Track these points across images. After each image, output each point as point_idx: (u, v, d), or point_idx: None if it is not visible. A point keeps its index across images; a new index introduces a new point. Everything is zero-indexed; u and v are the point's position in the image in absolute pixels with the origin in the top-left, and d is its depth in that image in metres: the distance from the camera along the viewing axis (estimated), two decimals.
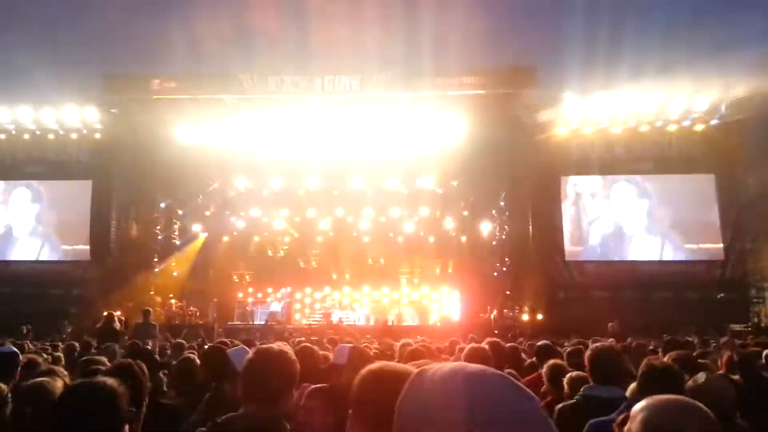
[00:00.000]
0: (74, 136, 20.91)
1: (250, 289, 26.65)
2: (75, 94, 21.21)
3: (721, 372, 4.71)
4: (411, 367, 1.69)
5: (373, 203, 25.76)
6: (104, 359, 4.70)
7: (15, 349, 4.43)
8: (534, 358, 6.27)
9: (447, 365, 1.06)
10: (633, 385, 3.36)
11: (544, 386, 4.47)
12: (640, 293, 18.26)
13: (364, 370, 1.69)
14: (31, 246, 20.74)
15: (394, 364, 1.77)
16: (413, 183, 24.65)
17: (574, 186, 19.66)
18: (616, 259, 19.26)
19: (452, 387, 0.98)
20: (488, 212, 24.74)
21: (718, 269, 18.79)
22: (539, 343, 6.04)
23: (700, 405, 1.57)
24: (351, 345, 3.88)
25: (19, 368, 4.07)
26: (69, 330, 17.00)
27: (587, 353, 3.78)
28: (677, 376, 3.17)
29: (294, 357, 2.59)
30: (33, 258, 20.61)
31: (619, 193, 19.58)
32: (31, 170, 21.12)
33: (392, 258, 27.56)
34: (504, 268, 23.41)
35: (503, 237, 23.70)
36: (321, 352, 5.35)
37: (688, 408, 1.57)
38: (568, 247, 19.41)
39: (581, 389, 3.65)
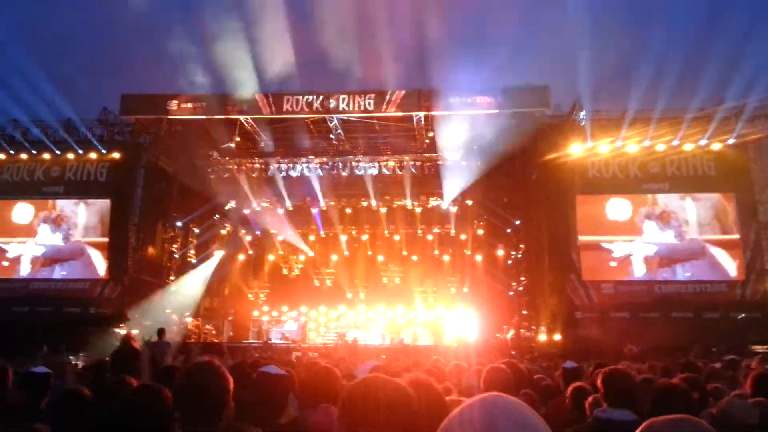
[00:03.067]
0: (93, 155, 21.20)
1: (265, 308, 26.69)
2: (94, 113, 21.61)
3: (743, 393, 4.61)
4: (399, 381, 1.73)
5: (388, 222, 25.81)
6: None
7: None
8: (552, 381, 6.22)
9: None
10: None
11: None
12: (658, 314, 18.01)
13: (357, 381, 1.73)
14: (49, 264, 20.92)
15: (384, 376, 1.78)
16: (427, 202, 24.69)
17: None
18: (635, 279, 19.03)
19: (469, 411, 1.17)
20: (503, 231, 24.67)
21: (738, 289, 18.50)
22: (566, 366, 5.97)
23: (701, 422, 1.56)
24: (375, 363, 3.85)
25: None
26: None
27: (600, 376, 3.77)
28: (684, 395, 3.13)
29: (226, 372, 2.51)
30: (50, 276, 20.79)
31: (641, 213, 19.41)
32: (50, 189, 21.40)
33: (407, 277, 27.51)
34: (520, 288, 23.26)
35: (518, 256, 23.59)
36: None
37: (687, 424, 1.57)
38: (591, 267, 19.21)
39: (594, 412, 3.64)
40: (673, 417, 1.60)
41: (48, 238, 20.95)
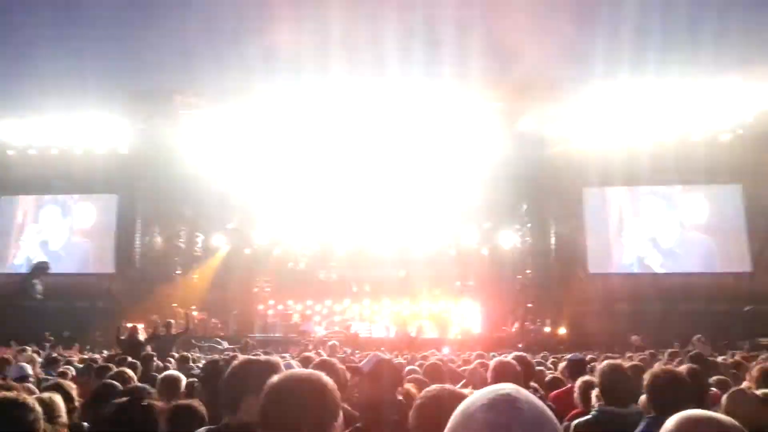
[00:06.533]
0: (100, 151, 21.24)
1: (271, 301, 26.69)
2: (100, 110, 21.63)
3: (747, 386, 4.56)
4: (466, 391, 1.63)
5: (393, 214, 25.74)
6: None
7: None
8: (558, 373, 6.20)
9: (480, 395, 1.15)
10: (643, 398, 3.34)
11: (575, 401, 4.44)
12: (665, 306, 17.93)
13: (422, 395, 1.63)
14: (57, 259, 21.03)
15: (450, 388, 1.68)
16: (434, 194, 24.59)
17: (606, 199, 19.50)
18: (642, 271, 18.96)
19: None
20: (510, 224, 24.56)
21: (746, 280, 18.39)
22: (572, 358, 5.94)
23: (728, 419, 1.53)
24: (380, 357, 3.82)
25: None
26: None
27: (598, 374, 3.74)
28: (684, 383, 3.10)
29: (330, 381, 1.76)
30: (59, 271, 20.89)
31: (649, 205, 19.33)
32: (58, 185, 21.48)
33: (413, 270, 27.43)
34: (526, 281, 23.18)
35: (525, 249, 23.49)
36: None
37: (715, 421, 1.54)
38: (597, 259, 19.17)
39: (598, 405, 3.63)
40: (701, 412, 1.58)
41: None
